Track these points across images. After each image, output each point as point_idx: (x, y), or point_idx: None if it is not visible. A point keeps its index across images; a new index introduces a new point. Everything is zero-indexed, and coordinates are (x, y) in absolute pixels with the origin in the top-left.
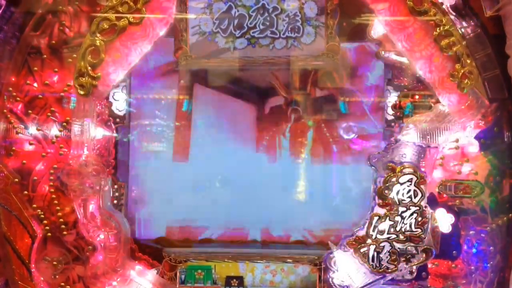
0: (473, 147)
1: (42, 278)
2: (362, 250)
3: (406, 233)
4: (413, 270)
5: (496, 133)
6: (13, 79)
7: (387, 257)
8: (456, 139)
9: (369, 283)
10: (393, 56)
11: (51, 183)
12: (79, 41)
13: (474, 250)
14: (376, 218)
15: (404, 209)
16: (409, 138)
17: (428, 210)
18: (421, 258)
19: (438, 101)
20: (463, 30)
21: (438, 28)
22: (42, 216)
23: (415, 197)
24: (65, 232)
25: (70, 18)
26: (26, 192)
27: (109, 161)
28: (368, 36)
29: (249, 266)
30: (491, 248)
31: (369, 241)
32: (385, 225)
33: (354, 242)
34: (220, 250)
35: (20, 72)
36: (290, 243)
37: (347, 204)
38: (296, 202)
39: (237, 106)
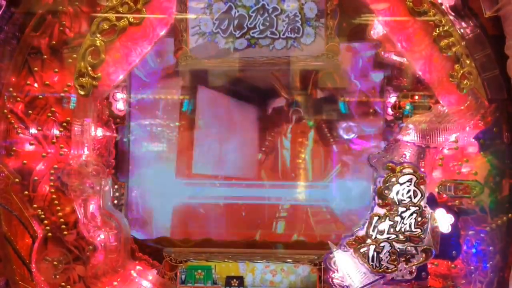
0: (473, 148)
1: (42, 278)
2: (362, 250)
3: (405, 233)
4: (413, 270)
5: (496, 134)
6: (13, 80)
7: (387, 257)
8: (455, 139)
9: (369, 283)
10: (393, 57)
11: (52, 183)
12: (79, 42)
13: (473, 250)
14: (376, 218)
15: (404, 209)
16: (408, 138)
17: (428, 210)
18: (421, 258)
19: (437, 102)
20: (462, 30)
21: (437, 29)
22: (43, 216)
23: (414, 197)
24: (65, 232)
25: (70, 19)
26: (26, 192)
27: (109, 161)
28: (368, 37)
29: (249, 266)
30: (490, 248)
31: (369, 241)
32: (385, 225)
33: (354, 242)
34: (220, 250)
35: (20, 73)
36: (290, 243)
37: (347, 204)
38: (296, 202)
39: (240, 107)
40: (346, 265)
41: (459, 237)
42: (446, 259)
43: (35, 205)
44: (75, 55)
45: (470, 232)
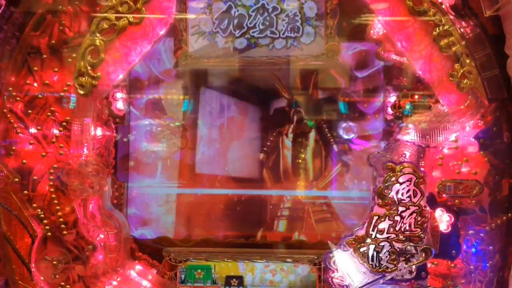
0: (473, 147)
1: (42, 278)
2: (361, 249)
3: (405, 232)
4: (413, 270)
5: (496, 133)
6: (13, 79)
7: (386, 256)
8: (455, 139)
9: (369, 283)
10: (393, 56)
11: (51, 183)
12: (79, 41)
13: (473, 250)
14: (375, 217)
15: (404, 208)
16: (408, 138)
17: (428, 209)
18: (421, 258)
19: (437, 101)
20: (462, 30)
21: (437, 28)
22: (42, 215)
23: (414, 197)
24: (65, 232)
25: (70, 18)
26: (26, 191)
27: (109, 161)
28: (367, 36)
29: (249, 266)
30: (490, 247)
31: (368, 240)
32: (384, 224)
33: (353, 242)
34: (220, 249)
35: (20, 72)
36: (290, 243)
37: (347, 204)
38: (297, 202)
39: (242, 107)
40: (346, 265)
41: (459, 237)
42: (445, 258)
43: (34, 205)
44: (74, 55)
45: (469, 232)
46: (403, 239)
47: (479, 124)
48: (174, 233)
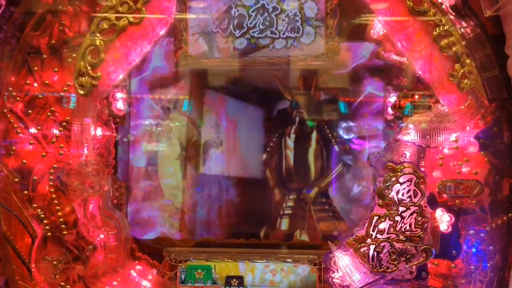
0: (473, 147)
1: (42, 278)
2: (362, 250)
3: (406, 233)
4: (413, 270)
5: (496, 133)
6: (13, 79)
7: (387, 256)
8: (455, 139)
9: (369, 283)
10: (393, 56)
11: (51, 183)
12: (79, 41)
13: (473, 250)
14: (376, 217)
15: (404, 209)
16: (409, 138)
17: (428, 210)
18: (421, 258)
19: (437, 101)
20: (462, 30)
21: (437, 28)
22: (42, 215)
23: (415, 197)
24: (65, 232)
25: (70, 18)
26: (26, 191)
27: (109, 161)
28: (367, 36)
29: (249, 266)
30: (490, 248)
31: (369, 240)
32: (385, 224)
33: (354, 242)
34: (220, 249)
35: (20, 72)
36: (290, 243)
37: (347, 204)
38: (299, 201)
39: (245, 108)
40: (346, 265)
41: (459, 237)
42: (446, 258)
43: (34, 205)
44: (74, 55)
45: (470, 232)
46: (404, 239)
47: (480, 124)
48: (178, 233)
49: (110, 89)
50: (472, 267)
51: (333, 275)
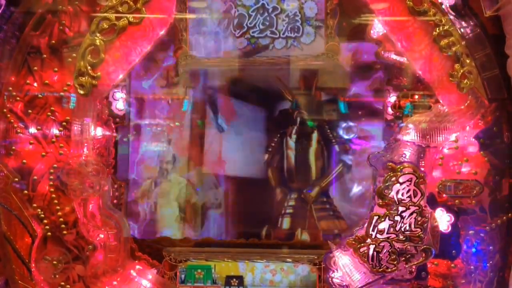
0: (473, 147)
1: (42, 278)
2: (361, 249)
3: (405, 232)
4: (413, 270)
5: (496, 133)
6: (13, 79)
7: (386, 256)
8: (455, 139)
9: (369, 283)
10: (393, 56)
11: (51, 183)
12: (79, 41)
13: (473, 250)
14: (375, 217)
15: (404, 208)
16: (408, 138)
17: (428, 209)
18: (421, 258)
19: (437, 101)
20: (462, 30)
21: (437, 28)
22: (42, 215)
23: (414, 197)
24: (65, 232)
25: (70, 18)
26: (26, 191)
27: (109, 161)
28: (367, 36)
29: (249, 266)
30: (490, 247)
31: (368, 240)
32: (384, 224)
33: (353, 242)
34: (220, 249)
35: (20, 72)
36: (290, 243)
37: (347, 204)
38: (300, 200)
39: (248, 109)
40: (346, 265)
41: (459, 237)
42: (446, 258)
43: (34, 205)
44: (74, 54)
45: (470, 232)
46: (403, 239)
47: (479, 124)
48: (182, 232)
49: (110, 89)
50: (471, 267)
51: (332, 275)
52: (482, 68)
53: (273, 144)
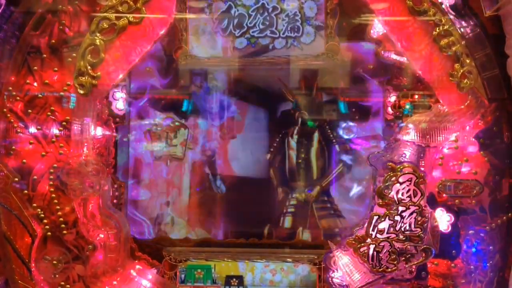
0: (473, 147)
1: (42, 277)
2: (361, 249)
3: (405, 232)
4: (413, 270)
5: (496, 133)
6: (13, 79)
7: (386, 256)
8: (455, 138)
9: (369, 283)
10: (393, 56)
11: (51, 183)
12: (79, 41)
13: (473, 250)
14: (375, 217)
15: (404, 208)
16: (408, 138)
17: (428, 209)
18: (421, 258)
19: (437, 101)
20: (462, 30)
21: (437, 28)
22: (42, 215)
23: (414, 197)
24: (65, 232)
25: (70, 18)
26: (26, 191)
27: (109, 161)
28: (367, 36)
29: (249, 266)
30: (490, 247)
31: (368, 240)
32: (384, 224)
33: (353, 242)
34: (219, 249)
35: (20, 72)
36: (290, 243)
37: (347, 204)
38: (301, 199)
39: (250, 110)
40: (346, 265)
41: (459, 237)
42: (446, 258)
43: (34, 204)
44: (74, 54)
45: (470, 232)
46: (403, 239)
47: (479, 124)
48: (185, 232)
49: (110, 88)
50: (471, 267)
51: (332, 275)
52: (482, 68)
53: (275, 144)
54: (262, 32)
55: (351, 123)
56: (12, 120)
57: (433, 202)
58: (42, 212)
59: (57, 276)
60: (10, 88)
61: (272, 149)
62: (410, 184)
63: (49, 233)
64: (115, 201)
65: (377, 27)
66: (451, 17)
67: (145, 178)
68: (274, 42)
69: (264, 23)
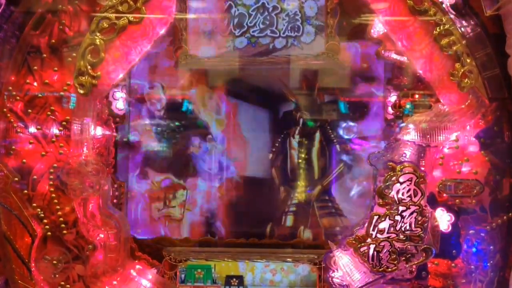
0: (473, 147)
1: (42, 277)
2: (362, 249)
3: (406, 232)
4: (413, 270)
5: (496, 133)
6: (13, 78)
7: (387, 256)
8: (456, 138)
9: (369, 282)
10: (393, 55)
11: (51, 182)
12: (79, 40)
13: (474, 250)
14: (376, 217)
15: (404, 208)
16: (409, 138)
17: (428, 209)
18: (421, 258)
19: (438, 101)
20: (463, 29)
21: (438, 27)
22: (42, 215)
23: (415, 196)
24: (65, 231)
25: (70, 17)
26: (26, 191)
27: (109, 160)
28: (368, 36)
29: (249, 265)
30: (491, 247)
31: (369, 240)
32: (385, 224)
33: (354, 242)
34: (220, 249)
35: (20, 71)
36: (290, 243)
37: (348, 204)
38: (304, 198)
39: (252, 110)
40: (346, 265)
41: (459, 237)
42: (446, 258)
43: (34, 204)
44: (74, 54)
45: (470, 232)
46: (404, 238)
47: (480, 123)
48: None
49: (110, 88)
50: (472, 266)
51: (333, 275)
52: (482, 68)
53: (277, 145)
54: (262, 32)
55: (351, 123)
56: (12, 120)
57: (434, 201)
58: (42, 212)
59: (57, 276)
60: (10, 87)
61: (274, 149)
62: (410, 183)
63: (49, 233)
64: (115, 201)
65: (378, 27)
66: (452, 16)
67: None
68: (274, 41)
69: (264, 22)
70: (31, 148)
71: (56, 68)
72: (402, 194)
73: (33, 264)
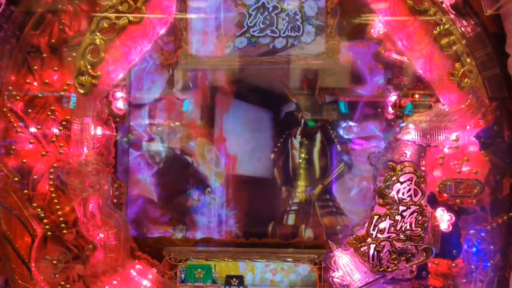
0: (473, 146)
1: (42, 277)
2: (362, 249)
3: (406, 232)
4: (413, 269)
5: (496, 132)
6: (13, 78)
7: (387, 256)
8: (456, 138)
9: (369, 282)
10: (393, 55)
11: (51, 182)
12: (79, 40)
13: (474, 249)
14: (376, 217)
15: (404, 208)
16: (409, 137)
17: (428, 209)
18: (421, 257)
19: (438, 100)
20: (463, 29)
21: (438, 27)
22: (42, 215)
23: (415, 196)
24: (65, 231)
25: (70, 17)
26: (26, 191)
27: (109, 160)
28: (368, 36)
29: (249, 265)
30: (491, 247)
31: (369, 240)
32: (385, 224)
33: (354, 241)
34: (220, 249)
35: (20, 71)
36: (291, 242)
37: (348, 203)
38: (305, 197)
39: (254, 111)
40: (346, 264)
41: (460, 236)
42: (446, 258)
43: (34, 204)
44: (74, 54)
45: (470, 231)
46: (404, 238)
47: (480, 123)
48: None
49: (110, 88)
50: (472, 266)
51: (333, 275)
52: (482, 67)
53: (279, 145)
54: (262, 32)
55: (350, 123)
56: (12, 120)
57: (434, 201)
58: (42, 212)
59: (57, 275)
60: (10, 87)
61: (276, 149)
62: (410, 183)
63: (49, 233)
64: (115, 200)
65: (378, 27)
66: (452, 16)
67: None
68: (275, 41)
69: (264, 22)
70: (31, 148)
71: (56, 68)
72: (403, 194)
73: (33, 264)
